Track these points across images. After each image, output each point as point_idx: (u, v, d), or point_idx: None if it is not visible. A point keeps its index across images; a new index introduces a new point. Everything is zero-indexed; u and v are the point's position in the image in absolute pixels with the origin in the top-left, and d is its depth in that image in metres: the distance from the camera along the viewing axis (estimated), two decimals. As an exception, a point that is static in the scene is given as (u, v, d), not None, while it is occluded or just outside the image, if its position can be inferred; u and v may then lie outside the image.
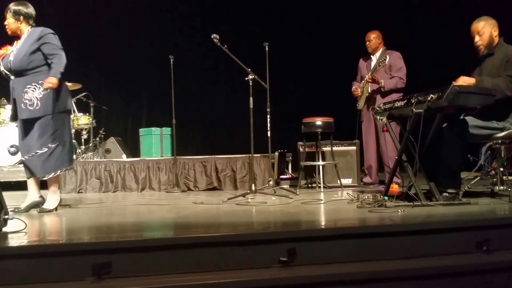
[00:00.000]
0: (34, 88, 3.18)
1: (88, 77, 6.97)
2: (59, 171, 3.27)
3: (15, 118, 3.30)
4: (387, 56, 4.56)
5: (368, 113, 4.87)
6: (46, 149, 3.19)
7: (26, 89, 3.18)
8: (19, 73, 3.20)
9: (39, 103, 3.18)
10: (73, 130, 6.19)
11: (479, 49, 3.34)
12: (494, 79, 3.12)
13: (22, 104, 3.18)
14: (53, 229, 2.74)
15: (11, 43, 3.35)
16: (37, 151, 3.17)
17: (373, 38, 4.84)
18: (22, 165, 3.35)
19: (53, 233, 2.56)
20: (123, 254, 2.04)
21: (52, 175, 3.24)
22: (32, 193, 3.35)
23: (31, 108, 3.18)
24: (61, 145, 3.27)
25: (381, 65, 4.62)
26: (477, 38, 3.32)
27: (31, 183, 3.34)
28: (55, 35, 3.27)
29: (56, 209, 3.33)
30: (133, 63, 7.63)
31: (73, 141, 6.15)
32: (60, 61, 3.20)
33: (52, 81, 3.15)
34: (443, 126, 3.21)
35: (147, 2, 7.49)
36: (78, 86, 6.45)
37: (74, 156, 6.04)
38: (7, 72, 3.24)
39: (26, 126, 3.23)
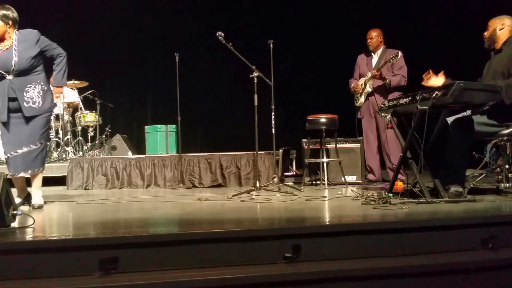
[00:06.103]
0: (34, 87, 3.31)
1: (95, 75, 7.01)
2: (41, 168, 3.35)
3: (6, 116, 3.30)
4: (399, 52, 4.52)
5: (368, 110, 4.85)
6: (39, 144, 3.29)
7: (27, 88, 3.28)
8: (21, 73, 3.28)
9: (40, 101, 3.31)
10: (79, 128, 6.26)
11: (484, 40, 3.44)
12: (506, 81, 3.09)
13: (25, 103, 3.26)
14: (61, 224, 2.77)
15: None
16: (31, 146, 3.25)
17: (375, 36, 4.83)
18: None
19: (60, 229, 2.59)
20: (129, 249, 2.06)
21: (36, 171, 3.31)
22: (21, 189, 3.43)
23: (34, 105, 3.28)
24: (46, 143, 3.41)
25: (392, 61, 4.57)
26: (486, 32, 3.41)
27: (19, 180, 3.39)
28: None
29: None
30: (139, 61, 7.66)
31: (80, 138, 6.28)
32: (64, 68, 3.42)
33: (60, 91, 3.47)
34: (449, 123, 3.20)
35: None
36: (84, 84, 6.51)
37: (81, 153, 6.13)
38: (3, 72, 3.26)
39: (20, 123, 3.27)
